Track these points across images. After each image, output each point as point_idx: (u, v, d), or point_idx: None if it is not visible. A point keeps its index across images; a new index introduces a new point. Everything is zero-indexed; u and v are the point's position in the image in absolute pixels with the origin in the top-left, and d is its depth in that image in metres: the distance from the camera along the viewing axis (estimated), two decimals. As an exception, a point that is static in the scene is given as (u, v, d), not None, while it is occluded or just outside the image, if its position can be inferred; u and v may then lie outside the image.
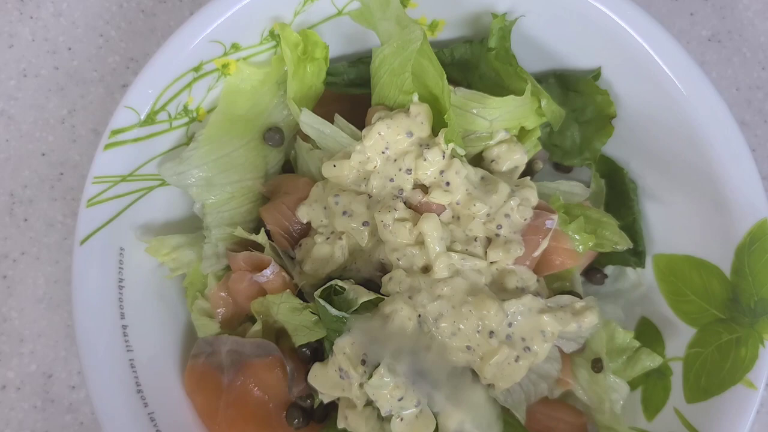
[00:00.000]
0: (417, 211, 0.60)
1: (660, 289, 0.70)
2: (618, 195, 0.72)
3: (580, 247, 0.64)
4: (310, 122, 0.63)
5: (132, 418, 0.60)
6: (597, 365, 0.65)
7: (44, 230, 0.79)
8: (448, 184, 0.60)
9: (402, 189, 0.60)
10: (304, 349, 0.62)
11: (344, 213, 0.61)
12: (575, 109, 0.69)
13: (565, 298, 0.62)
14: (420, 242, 0.59)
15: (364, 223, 0.61)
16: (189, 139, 0.65)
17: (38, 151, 0.80)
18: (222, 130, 0.64)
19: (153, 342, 0.64)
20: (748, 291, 0.62)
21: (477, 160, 0.65)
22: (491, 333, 0.59)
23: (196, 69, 0.62)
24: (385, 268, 0.61)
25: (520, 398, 0.62)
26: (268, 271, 0.61)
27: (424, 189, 0.61)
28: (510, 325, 0.59)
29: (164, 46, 0.60)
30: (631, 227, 0.70)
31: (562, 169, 0.74)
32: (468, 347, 0.59)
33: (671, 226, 0.69)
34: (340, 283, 0.59)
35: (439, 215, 0.60)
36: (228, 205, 0.65)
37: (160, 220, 0.66)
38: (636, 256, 0.70)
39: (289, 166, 0.69)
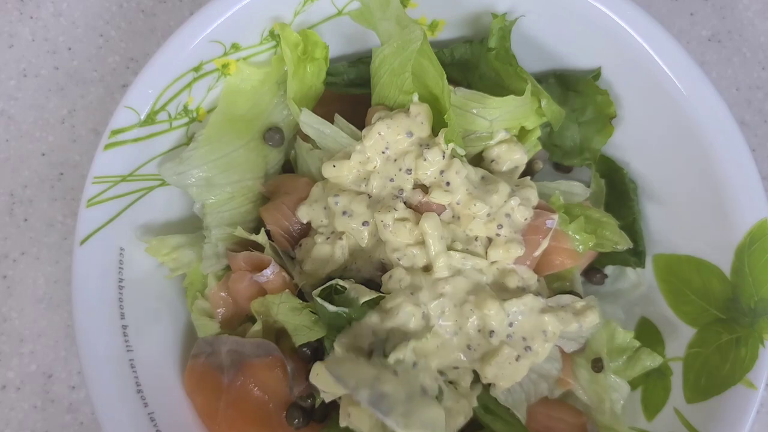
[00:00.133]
0: (417, 211, 0.60)
1: (660, 289, 0.70)
2: (618, 195, 0.72)
3: (581, 247, 0.64)
4: (310, 122, 0.63)
5: (132, 418, 0.60)
6: (597, 365, 0.65)
7: (44, 230, 0.79)
8: (448, 184, 0.60)
9: (402, 189, 0.60)
10: (305, 349, 0.62)
11: (344, 213, 0.61)
12: (575, 109, 0.69)
13: (566, 298, 0.62)
14: (420, 242, 0.59)
15: (364, 223, 0.61)
16: (189, 139, 0.65)
17: (38, 151, 0.80)
18: (222, 130, 0.64)
19: (153, 342, 0.64)
20: (748, 291, 0.62)
21: (477, 160, 0.65)
22: (492, 332, 0.59)
23: (196, 69, 0.62)
24: (385, 268, 0.61)
25: (521, 398, 0.62)
26: (268, 271, 0.61)
27: (425, 189, 0.61)
28: (511, 324, 0.59)
29: (164, 46, 0.60)
30: (631, 227, 0.70)
31: (562, 169, 0.74)
32: (468, 347, 0.59)
33: (671, 226, 0.69)
34: (341, 282, 0.59)
35: (439, 215, 0.60)
36: (228, 205, 0.65)
37: (160, 220, 0.66)
38: (636, 256, 0.70)
39: (289, 166, 0.69)
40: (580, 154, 0.71)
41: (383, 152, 0.61)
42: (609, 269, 0.73)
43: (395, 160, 0.61)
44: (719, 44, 0.87)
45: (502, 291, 0.61)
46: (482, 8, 0.66)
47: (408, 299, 0.58)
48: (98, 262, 0.61)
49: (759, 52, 0.87)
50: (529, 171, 0.67)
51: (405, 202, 0.60)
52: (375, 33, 0.64)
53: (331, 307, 0.57)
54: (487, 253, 0.60)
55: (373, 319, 0.58)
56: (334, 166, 0.61)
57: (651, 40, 0.62)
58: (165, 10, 0.84)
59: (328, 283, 0.59)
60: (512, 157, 0.64)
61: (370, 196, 0.61)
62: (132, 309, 0.62)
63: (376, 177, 0.61)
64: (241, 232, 0.63)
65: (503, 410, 0.62)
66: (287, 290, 0.61)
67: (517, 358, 0.59)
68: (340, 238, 0.61)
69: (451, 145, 0.60)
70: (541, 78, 0.69)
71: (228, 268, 0.65)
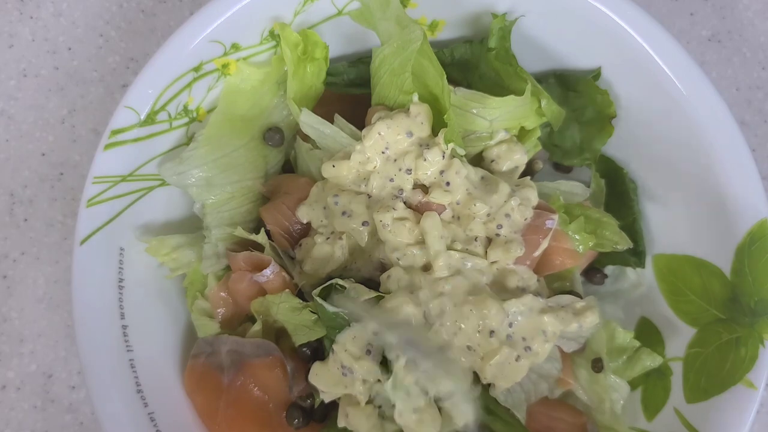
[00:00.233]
0: (417, 211, 0.60)
1: (660, 289, 0.70)
2: (618, 195, 0.72)
3: (580, 247, 0.64)
4: (310, 122, 0.63)
5: (132, 418, 0.60)
6: (597, 365, 0.65)
7: (44, 230, 0.79)
8: (448, 184, 0.60)
9: (402, 189, 0.60)
10: (304, 349, 0.62)
11: (344, 213, 0.61)
12: (575, 109, 0.69)
13: (566, 298, 0.62)
14: (420, 242, 0.59)
15: (364, 223, 0.61)
16: (189, 139, 0.65)
17: (38, 151, 0.80)
18: (222, 130, 0.64)
19: (153, 342, 0.64)
20: (748, 291, 0.62)
21: (477, 160, 0.65)
22: (492, 332, 0.59)
23: (196, 69, 0.62)
24: (385, 268, 0.61)
25: (521, 398, 0.62)
26: (268, 271, 0.61)
27: (424, 189, 0.61)
28: (510, 325, 0.59)
29: (164, 46, 0.60)
30: (631, 227, 0.70)
31: (562, 169, 0.74)
32: (468, 347, 0.59)
33: (671, 226, 0.69)
34: (340, 281, 0.59)
35: (439, 215, 0.60)
36: (228, 205, 0.65)
37: (160, 220, 0.66)
38: (636, 256, 0.70)
39: (289, 166, 0.69)
40: (580, 154, 0.71)
41: (383, 152, 0.61)
42: (609, 269, 0.73)
43: (395, 160, 0.61)
44: (719, 44, 0.87)
45: (501, 291, 0.61)
46: (482, 8, 0.66)
47: (408, 299, 0.58)
48: (98, 262, 0.61)
49: (759, 52, 0.87)
50: (529, 171, 0.67)
51: (405, 202, 0.60)
52: (375, 33, 0.64)
53: (330, 308, 0.57)
54: (486, 253, 0.60)
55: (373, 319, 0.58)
56: (333, 166, 0.61)
57: (651, 40, 0.62)
58: (165, 10, 0.84)
59: (327, 283, 0.59)
60: (512, 157, 0.64)
61: (369, 196, 0.61)
62: (132, 309, 0.62)
63: (376, 177, 0.61)
64: (241, 232, 0.63)
65: (503, 410, 0.62)
66: (287, 290, 0.61)
67: (517, 359, 0.59)
68: (340, 238, 0.61)
69: (451, 145, 0.60)
70: (541, 78, 0.69)
71: (228, 268, 0.65)
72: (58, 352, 0.76)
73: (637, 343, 0.67)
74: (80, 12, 0.83)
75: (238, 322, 0.66)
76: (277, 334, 0.64)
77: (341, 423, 0.59)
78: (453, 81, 0.64)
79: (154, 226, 0.65)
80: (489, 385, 0.61)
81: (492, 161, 0.64)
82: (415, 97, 0.61)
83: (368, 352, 0.58)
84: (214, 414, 0.62)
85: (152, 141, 0.62)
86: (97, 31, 0.83)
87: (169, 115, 0.62)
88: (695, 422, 0.62)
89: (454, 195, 0.60)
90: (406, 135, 0.61)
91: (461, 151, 0.61)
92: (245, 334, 0.64)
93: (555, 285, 0.66)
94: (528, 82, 0.62)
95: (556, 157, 0.72)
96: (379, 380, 0.57)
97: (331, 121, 0.64)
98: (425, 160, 0.59)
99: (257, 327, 0.63)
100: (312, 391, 0.61)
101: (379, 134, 0.60)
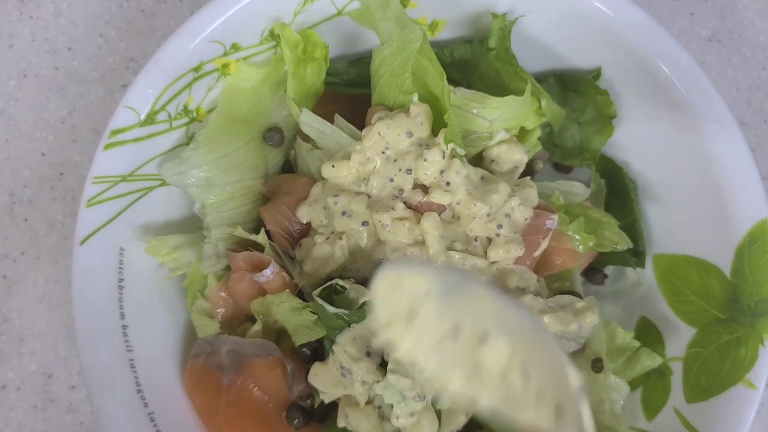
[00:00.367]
0: (417, 211, 0.60)
1: (660, 289, 0.70)
2: (618, 195, 0.72)
3: (580, 247, 0.64)
4: (310, 122, 0.63)
5: (132, 418, 0.60)
6: (597, 365, 0.65)
7: (44, 230, 0.79)
8: (448, 184, 0.60)
9: (402, 189, 0.60)
10: (304, 349, 0.62)
11: (343, 213, 0.61)
12: (575, 109, 0.69)
13: (566, 298, 0.62)
14: (420, 242, 0.59)
15: (364, 223, 0.61)
16: (189, 139, 0.65)
17: (38, 151, 0.80)
18: (222, 130, 0.64)
19: (153, 342, 0.64)
20: (748, 291, 0.62)
21: (477, 160, 0.65)
22: (491, 333, 0.59)
23: (196, 69, 0.62)
24: (385, 268, 0.61)
25: (520, 398, 0.62)
26: (268, 271, 0.61)
27: (424, 189, 0.61)
28: (510, 325, 0.59)
29: (164, 46, 0.60)
30: (631, 227, 0.70)
31: (562, 169, 0.74)
32: (468, 347, 0.59)
33: (671, 226, 0.69)
34: (340, 282, 0.59)
35: (439, 215, 0.60)
36: (228, 205, 0.65)
37: (160, 220, 0.66)
38: (636, 256, 0.70)
39: (289, 166, 0.69)
40: (580, 154, 0.71)
41: (383, 152, 0.61)
42: (609, 269, 0.73)
43: (395, 161, 0.61)
44: (719, 44, 0.87)
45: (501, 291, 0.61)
46: (482, 8, 0.66)
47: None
48: (98, 262, 0.61)
49: (759, 52, 0.87)
50: (529, 171, 0.67)
51: (405, 203, 0.60)
52: (375, 33, 0.64)
53: (330, 309, 0.57)
54: (486, 253, 0.60)
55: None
56: (333, 166, 0.61)
57: (651, 40, 0.62)
58: (165, 10, 0.84)
59: (327, 283, 0.59)
60: (512, 157, 0.64)
61: (369, 197, 0.61)
62: (132, 309, 0.62)
63: (375, 177, 0.61)
64: (241, 232, 0.63)
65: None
66: (287, 290, 0.61)
67: (517, 358, 0.59)
68: (340, 238, 0.61)
69: (451, 145, 0.60)
70: (541, 78, 0.69)
71: (228, 268, 0.65)
72: (58, 352, 0.76)
73: (637, 343, 0.67)
74: (80, 12, 0.83)
75: (238, 322, 0.66)
76: (277, 334, 0.64)
77: (341, 423, 0.59)
78: (453, 81, 0.64)
79: (154, 226, 0.65)
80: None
81: (492, 161, 0.64)
82: (415, 97, 0.61)
83: (368, 353, 0.58)
84: (214, 414, 0.62)
85: (152, 141, 0.62)
86: (97, 31, 0.83)
87: (169, 115, 0.63)
88: (695, 422, 0.62)
89: (454, 195, 0.60)
90: (406, 135, 0.61)
91: (461, 151, 0.61)
92: (245, 334, 0.64)
93: (555, 285, 0.66)
94: (528, 82, 0.62)
95: (556, 157, 0.72)
96: (378, 381, 0.57)
97: (331, 121, 0.64)
98: (425, 160, 0.59)
99: (257, 327, 0.63)
100: (312, 392, 0.61)
101: (379, 134, 0.60)
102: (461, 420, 0.59)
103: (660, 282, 0.70)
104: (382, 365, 0.58)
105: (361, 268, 0.62)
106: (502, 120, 0.63)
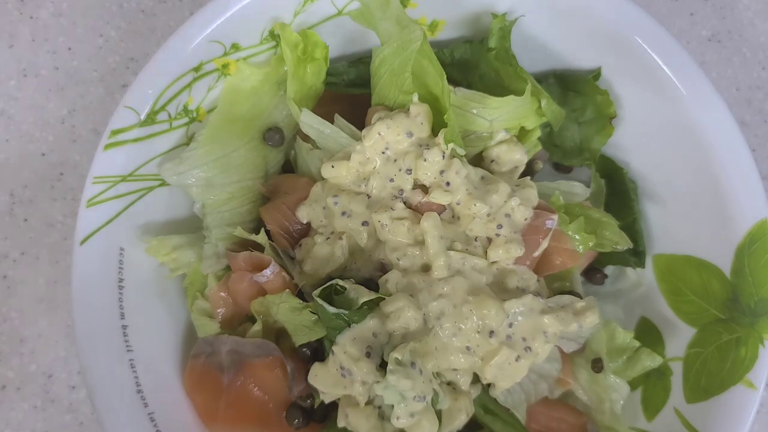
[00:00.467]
0: (417, 211, 0.60)
1: (660, 289, 0.70)
2: (618, 195, 0.72)
3: (580, 247, 0.64)
4: (310, 122, 0.63)
5: (132, 418, 0.60)
6: (597, 365, 0.65)
7: (44, 230, 0.79)
8: (448, 184, 0.59)
9: (402, 189, 0.60)
10: (304, 349, 0.62)
11: (343, 213, 0.61)
12: (575, 109, 0.69)
13: (566, 298, 0.62)
14: (420, 242, 0.59)
15: (364, 223, 0.61)
16: (189, 139, 0.65)
17: (38, 151, 0.80)
18: (222, 130, 0.64)
19: (153, 342, 0.64)
20: (748, 291, 0.62)
21: (477, 160, 0.65)
22: (491, 333, 0.59)
23: (196, 69, 0.62)
24: (385, 268, 0.61)
25: (521, 398, 0.62)
26: (268, 271, 0.61)
27: (424, 189, 0.61)
28: (510, 325, 0.59)
29: (164, 46, 0.60)
30: (631, 227, 0.70)
31: (562, 169, 0.74)
32: (468, 348, 0.59)
33: (671, 226, 0.69)
34: (340, 282, 0.59)
35: (439, 215, 0.60)
36: (228, 205, 0.65)
37: (160, 220, 0.66)
38: (636, 256, 0.70)
39: (289, 166, 0.69)
40: (580, 154, 0.71)
41: (383, 152, 0.61)
42: (609, 269, 0.73)
43: (395, 161, 0.61)
44: (719, 44, 0.87)
45: (501, 291, 0.61)
46: (482, 8, 0.66)
47: (409, 303, 0.58)
48: (98, 262, 0.61)
49: (759, 52, 0.87)
50: (529, 171, 0.67)
51: (405, 203, 0.60)
52: (375, 33, 0.64)
53: (331, 309, 0.57)
54: (486, 253, 0.60)
55: (373, 322, 0.58)
56: (332, 166, 0.61)
57: (651, 40, 0.62)
58: (165, 10, 0.84)
59: (328, 284, 0.59)
60: (512, 157, 0.64)
61: (369, 197, 0.61)
62: (132, 309, 0.62)
63: (376, 177, 0.61)
64: (241, 232, 0.63)
65: (503, 410, 0.62)
66: (287, 290, 0.61)
67: (517, 359, 0.59)
68: (340, 238, 0.61)
69: (451, 145, 0.60)
70: (541, 78, 0.69)
71: (228, 268, 0.65)
72: (58, 352, 0.76)
73: (637, 343, 0.67)
74: (80, 12, 0.83)
75: (238, 322, 0.66)
76: (277, 334, 0.64)
77: (341, 423, 0.59)
78: (453, 81, 0.64)
79: (154, 226, 0.65)
80: (489, 385, 0.61)
81: (492, 161, 0.64)
82: (415, 97, 0.61)
83: (368, 354, 0.58)
84: (214, 414, 0.62)
85: (152, 141, 0.62)
86: (97, 31, 0.83)
87: (169, 115, 0.62)
88: (695, 422, 0.62)
89: (454, 195, 0.59)
90: (406, 135, 0.60)
91: (461, 151, 0.61)
92: (245, 334, 0.64)
93: (555, 285, 0.66)
94: (528, 82, 0.62)
95: (556, 157, 0.72)
96: (378, 381, 0.57)
97: (331, 121, 0.64)
98: (425, 160, 0.59)
99: (257, 327, 0.63)
100: (312, 392, 0.61)
101: (379, 134, 0.60)
102: (462, 420, 0.59)
103: (660, 282, 0.70)
104: (382, 365, 0.58)
105: (361, 268, 0.62)
106: (502, 120, 0.63)
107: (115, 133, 0.60)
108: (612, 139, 0.69)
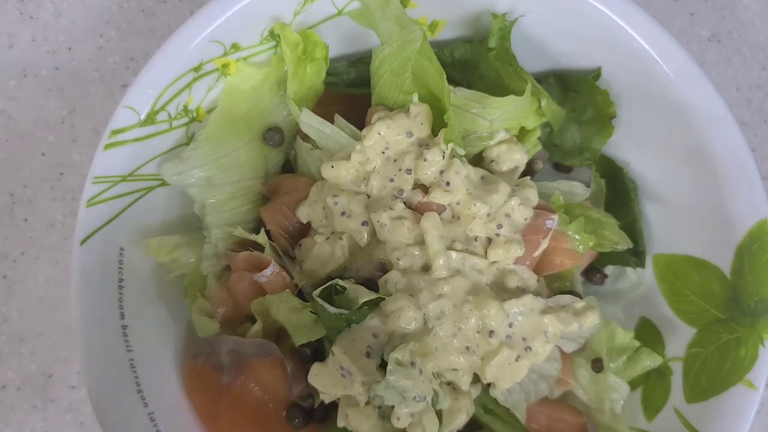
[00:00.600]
0: (417, 211, 0.60)
1: (660, 289, 0.70)
2: (618, 195, 0.72)
3: (580, 247, 0.64)
4: (310, 122, 0.63)
5: (132, 418, 0.60)
6: (597, 365, 0.65)
7: (44, 230, 0.79)
8: (448, 184, 0.59)
9: (402, 189, 0.60)
10: (305, 349, 0.62)
11: (343, 213, 0.61)
12: (575, 109, 0.69)
13: (566, 298, 0.62)
14: (420, 242, 0.59)
15: (363, 223, 0.61)
16: (189, 139, 0.65)
17: (38, 151, 0.80)
18: (222, 130, 0.64)
19: (153, 342, 0.64)
20: (748, 291, 0.62)
21: (477, 160, 0.65)
22: (491, 333, 0.59)
23: (196, 69, 0.62)
24: (385, 268, 0.61)
25: (521, 398, 0.62)
26: (268, 271, 0.61)
27: (424, 189, 0.61)
28: (510, 325, 0.59)
29: (164, 46, 0.60)
30: (631, 227, 0.70)
31: (562, 169, 0.74)
32: (468, 348, 0.59)
33: (671, 226, 0.69)
34: (340, 282, 0.59)
35: (439, 215, 0.60)
36: (228, 205, 0.65)
37: (160, 220, 0.66)
38: (636, 256, 0.70)
39: (289, 166, 0.69)
40: (580, 154, 0.71)
41: (383, 152, 0.61)
42: (609, 269, 0.73)
43: (395, 161, 0.61)
44: (719, 44, 0.87)
45: (501, 291, 0.61)
46: (482, 8, 0.66)
47: (409, 303, 0.58)
48: (98, 262, 0.61)
49: (759, 52, 0.87)
50: (529, 171, 0.67)
51: (405, 203, 0.60)
52: (375, 33, 0.64)
53: (331, 309, 0.57)
54: (486, 253, 0.60)
55: (373, 322, 0.58)
56: (332, 166, 0.61)
57: (651, 40, 0.62)
58: (165, 10, 0.84)
59: (328, 284, 0.59)
60: (512, 157, 0.64)
61: (369, 196, 0.61)
62: (132, 309, 0.62)
63: (376, 177, 0.61)
64: (241, 232, 0.63)
65: (503, 410, 0.62)
66: (287, 290, 0.61)
67: (517, 359, 0.59)
68: (340, 238, 0.61)
69: (451, 145, 0.60)
70: (541, 78, 0.69)
71: (228, 268, 0.65)
72: (58, 352, 0.76)
73: (637, 343, 0.67)
74: (80, 12, 0.83)
75: (238, 322, 0.66)
76: (277, 335, 0.64)
77: (341, 423, 0.59)
78: (453, 81, 0.64)
79: (154, 226, 0.65)
80: (489, 384, 0.61)
81: (492, 161, 0.64)
82: (415, 97, 0.61)
83: (368, 354, 0.58)
84: (214, 414, 0.62)
85: (152, 141, 0.62)
86: (97, 31, 0.83)
87: (169, 115, 0.62)
88: (695, 422, 0.62)
89: (454, 195, 0.59)
90: (406, 135, 0.61)
91: (461, 151, 0.61)
92: (245, 334, 0.64)
93: (555, 285, 0.66)
94: (528, 82, 0.62)
95: (556, 157, 0.72)
96: (378, 381, 0.57)
97: (331, 121, 0.64)
98: (425, 160, 0.59)
99: (257, 327, 0.63)
100: (312, 392, 0.61)
101: (379, 134, 0.60)
102: (462, 420, 0.59)
103: (660, 282, 0.70)
104: (382, 365, 0.58)
105: (361, 268, 0.62)
106: (502, 120, 0.63)
107: (115, 133, 0.60)
108: (612, 139, 0.69)
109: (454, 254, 0.60)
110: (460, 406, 0.59)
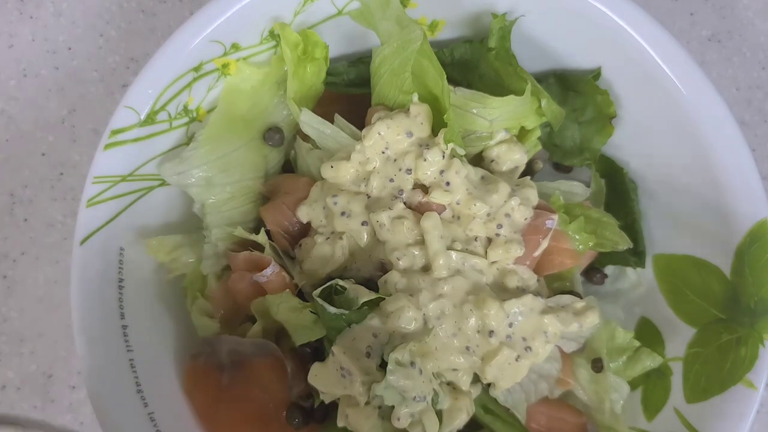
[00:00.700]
0: (417, 211, 0.60)
1: (660, 289, 0.70)
2: (618, 195, 0.72)
3: (580, 247, 0.64)
4: (310, 122, 0.63)
5: (132, 418, 0.60)
6: (597, 365, 0.65)
7: (44, 230, 0.79)
8: (448, 184, 0.60)
9: (402, 189, 0.60)
10: (305, 349, 0.62)
11: (343, 213, 0.61)
12: (575, 109, 0.69)
13: (566, 298, 0.62)
14: (420, 242, 0.59)
15: (363, 223, 0.61)
16: (189, 139, 0.65)
17: (38, 151, 0.80)
18: (222, 130, 0.64)
19: (153, 342, 0.64)
20: (748, 291, 0.62)
21: (477, 160, 0.65)
22: (491, 333, 0.59)
23: (196, 69, 0.62)
24: (385, 268, 0.61)
25: (521, 398, 0.62)
26: (268, 271, 0.61)
27: (425, 189, 0.61)
28: (510, 325, 0.59)
29: (164, 46, 0.60)
30: (631, 227, 0.70)
31: (562, 169, 0.74)
32: (468, 348, 0.59)
33: (671, 226, 0.69)
34: (340, 282, 0.59)
35: (439, 215, 0.60)
36: (228, 205, 0.65)
37: (160, 220, 0.66)
38: (636, 256, 0.70)
39: (289, 166, 0.69)
40: (580, 154, 0.71)
41: (383, 152, 0.61)
42: (609, 269, 0.73)
43: (395, 161, 0.61)
44: (719, 44, 0.87)
45: (501, 291, 0.61)
46: (482, 8, 0.66)
47: (409, 303, 0.58)
48: (98, 262, 0.61)
49: (759, 52, 0.87)
50: (529, 171, 0.67)
51: (405, 203, 0.60)
52: (375, 33, 0.64)
53: (331, 309, 0.57)
54: (486, 253, 0.60)
55: (373, 322, 0.58)
56: (332, 166, 0.61)
57: (651, 40, 0.62)
58: (165, 10, 0.84)
59: (328, 284, 0.59)
60: (512, 157, 0.64)
61: (369, 196, 0.61)
62: (132, 309, 0.62)
63: (375, 177, 0.61)
64: (241, 232, 0.63)
65: (503, 410, 0.62)
66: (287, 290, 0.61)
67: (517, 359, 0.59)
68: (340, 238, 0.61)
69: (451, 145, 0.60)
70: (541, 78, 0.69)
71: (228, 268, 0.65)
72: (58, 352, 0.76)
73: (637, 343, 0.67)
74: (80, 12, 0.83)
75: (238, 322, 0.66)
76: (277, 335, 0.64)
77: (341, 423, 0.59)
78: (453, 81, 0.64)
79: (154, 226, 0.65)
80: (489, 384, 0.61)
81: (492, 161, 0.64)
82: (415, 97, 0.61)
83: (368, 354, 0.58)
84: (214, 414, 0.62)
85: (152, 141, 0.62)
86: (97, 31, 0.83)
87: (169, 115, 0.62)
88: (695, 422, 0.62)
89: (454, 195, 0.60)
90: (406, 135, 0.61)
91: (461, 151, 0.61)
92: (245, 334, 0.64)
93: (555, 285, 0.66)
94: (528, 82, 0.62)
95: (556, 157, 0.72)
96: (378, 381, 0.57)
97: (331, 121, 0.64)
98: (425, 160, 0.59)
99: (257, 327, 0.63)
100: (312, 392, 0.61)
101: (379, 134, 0.60)
102: (462, 420, 0.59)
103: (660, 282, 0.70)
104: (382, 365, 0.58)
105: (361, 268, 0.62)
106: (502, 120, 0.63)
107: (115, 133, 0.60)
108: (612, 139, 0.69)
109: (454, 254, 0.60)
110: (460, 406, 0.59)
